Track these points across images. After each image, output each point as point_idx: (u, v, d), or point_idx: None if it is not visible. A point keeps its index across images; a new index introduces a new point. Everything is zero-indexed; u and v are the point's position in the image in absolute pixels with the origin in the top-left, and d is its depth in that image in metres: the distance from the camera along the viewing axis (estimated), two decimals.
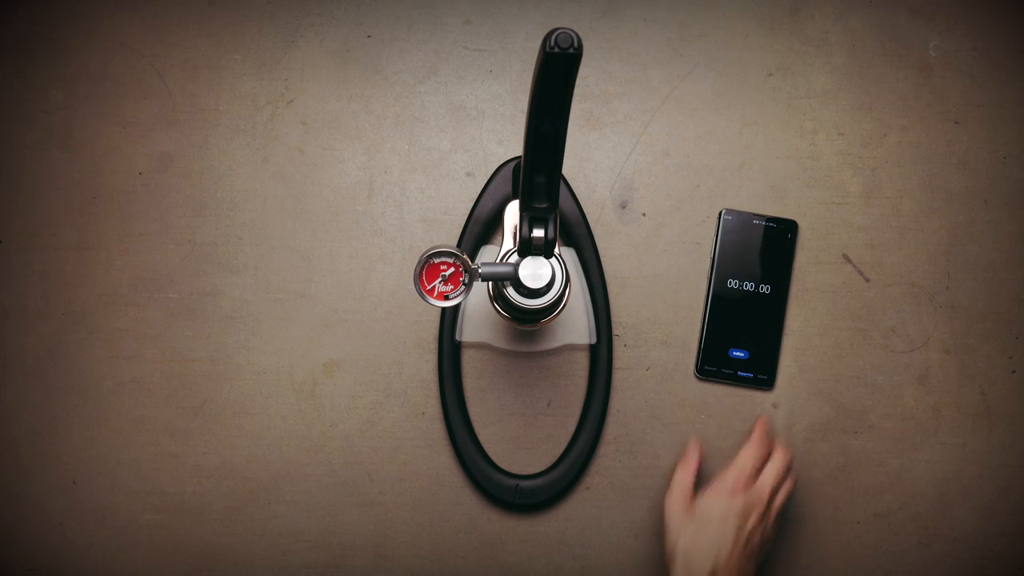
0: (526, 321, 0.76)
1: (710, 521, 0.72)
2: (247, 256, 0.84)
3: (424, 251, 0.66)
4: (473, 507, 0.83)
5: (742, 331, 0.84)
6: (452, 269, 0.67)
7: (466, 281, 0.67)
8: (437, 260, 0.67)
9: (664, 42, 0.86)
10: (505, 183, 0.83)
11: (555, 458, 0.83)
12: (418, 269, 0.66)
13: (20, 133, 0.85)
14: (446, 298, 0.67)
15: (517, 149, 0.85)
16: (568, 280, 0.72)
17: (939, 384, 0.84)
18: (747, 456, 0.76)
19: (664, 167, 0.85)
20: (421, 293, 0.67)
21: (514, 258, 0.72)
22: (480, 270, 0.68)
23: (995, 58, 0.86)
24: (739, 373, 0.84)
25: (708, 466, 0.83)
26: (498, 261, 0.74)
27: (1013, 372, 0.84)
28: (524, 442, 0.84)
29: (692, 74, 0.86)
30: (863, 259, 0.84)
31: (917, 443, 0.84)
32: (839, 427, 0.84)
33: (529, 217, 0.67)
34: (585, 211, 0.84)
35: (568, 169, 0.85)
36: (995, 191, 0.85)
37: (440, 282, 0.67)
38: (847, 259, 0.85)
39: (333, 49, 0.86)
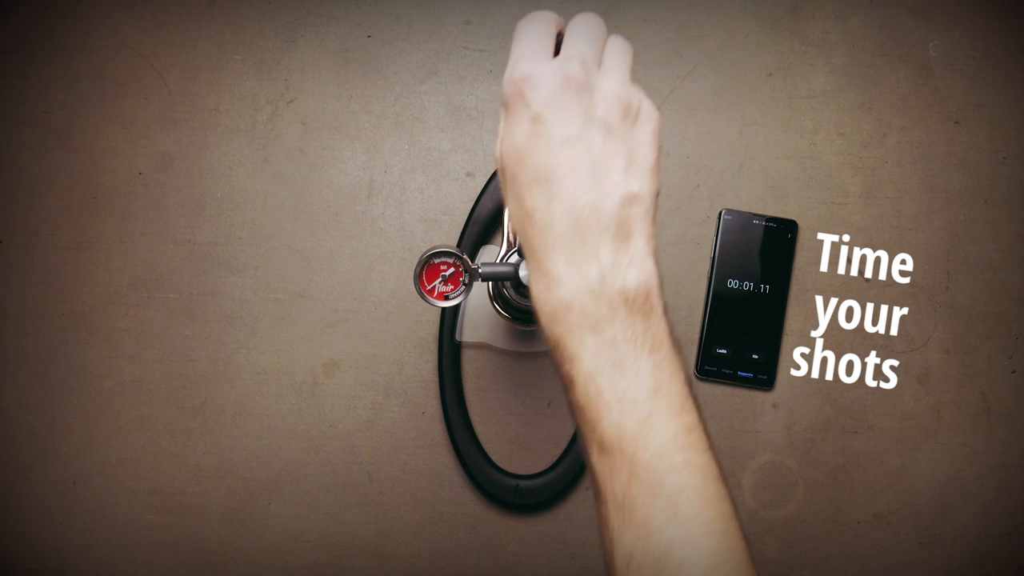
0: (526, 321, 0.76)
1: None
2: (247, 256, 0.84)
3: (424, 251, 0.66)
4: (473, 507, 0.83)
5: (742, 331, 0.84)
6: (452, 269, 0.67)
7: (466, 281, 0.67)
8: (437, 260, 0.67)
9: (664, 42, 0.86)
10: None
11: (555, 458, 0.83)
12: (418, 269, 0.66)
13: (20, 133, 0.85)
14: (446, 298, 0.67)
15: None
16: None
17: (939, 384, 0.84)
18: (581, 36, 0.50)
19: (664, 167, 0.85)
20: (421, 293, 0.67)
21: (514, 258, 0.72)
22: (480, 270, 0.68)
23: (995, 58, 0.85)
24: (739, 373, 0.84)
25: None
26: (498, 261, 0.74)
27: (1013, 372, 0.84)
28: (524, 442, 0.84)
29: (692, 74, 0.86)
30: (863, 259, 0.84)
31: (917, 443, 0.84)
32: (839, 427, 0.84)
33: None
34: None
35: None
36: (995, 191, 0.85)
37: (440, 282, 0.67)
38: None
39: (333, 49, 0.86)
